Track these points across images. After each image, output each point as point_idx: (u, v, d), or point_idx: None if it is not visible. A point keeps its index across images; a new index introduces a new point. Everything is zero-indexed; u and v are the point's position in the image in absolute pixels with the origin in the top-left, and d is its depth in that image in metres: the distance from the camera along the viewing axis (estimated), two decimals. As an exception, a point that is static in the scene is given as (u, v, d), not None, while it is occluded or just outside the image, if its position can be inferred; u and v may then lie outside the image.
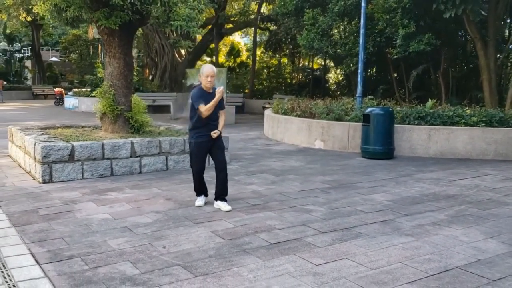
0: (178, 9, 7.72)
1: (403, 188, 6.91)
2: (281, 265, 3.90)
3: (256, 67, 26.63)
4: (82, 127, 9.60)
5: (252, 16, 25.29)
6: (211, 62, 30.35)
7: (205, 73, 5.39)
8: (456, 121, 9.74)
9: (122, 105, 8.34)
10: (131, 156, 7.50)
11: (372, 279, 3.66)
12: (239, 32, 33.16)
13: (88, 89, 23.40)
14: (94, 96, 9.18)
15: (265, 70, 28.13)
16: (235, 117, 17.47)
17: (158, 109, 21.03)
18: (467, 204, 5.98)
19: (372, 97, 12.21)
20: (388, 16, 12.45)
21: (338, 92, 22.26)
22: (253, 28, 25.46)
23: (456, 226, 5.08)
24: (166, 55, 24.85)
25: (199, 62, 30.18)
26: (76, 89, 26.61)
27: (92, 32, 34.90)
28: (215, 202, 5.59)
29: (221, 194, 5.60)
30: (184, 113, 18.43)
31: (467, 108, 10.42)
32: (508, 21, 14.50)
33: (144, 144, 7.61)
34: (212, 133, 5.43)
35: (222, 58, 32.38)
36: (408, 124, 10.03)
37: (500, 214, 5.55)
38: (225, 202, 5.56)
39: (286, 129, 11.96)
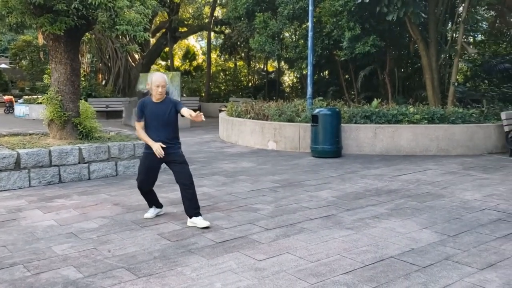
0: (124, 14, 7.71)
1: (348, 184, 7.18)
2: (224, 263, 4.02)
3: (212, 71, 26.69)
4: (30, 134, 9.40)
5: (206, 20, 25.34)
6: (167, 66, 30.20)
7: (155, 82, 4.85)
8: (400, 119, 10.17)
9: (69, 111, 8.24)
10: (79, 163, 7.43)
11: (311, 271, 3.83)
12: (194, 35, 33.12)
13: (40, 96, 22.75)
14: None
15: (221, 74, 28.23)
16: (190, 120, 17.44)
17: (111, 115, 20.75)
18: (406, 198, 6.29)
19: (322, 98, 12.54)
20: (334, 19, 12.84)
21: (294, 94, 22.64)
22: (208, 32, 25.50)
23: (395, 218, 5.35)
24: (119, 60, 24.51)
25: (154, 66, 29.92)
26: (26, 97, 25.82)
27: (42, 37, 33.91)
28: (189, 219, 5.02)
29: (193, 208, 5.01)
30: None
31: (410, 106, 10.89)
32: (450, 24, 15.17)
33: (92, 150, 7.55)
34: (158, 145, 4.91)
35: (177, 62, 32.22)
36: (355, 123, 10.38)
37: (436, 206, 5.88)
38: (200, 218, 4.99)
39: (240, 131, 12.11)
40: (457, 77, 19.47)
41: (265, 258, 4.13)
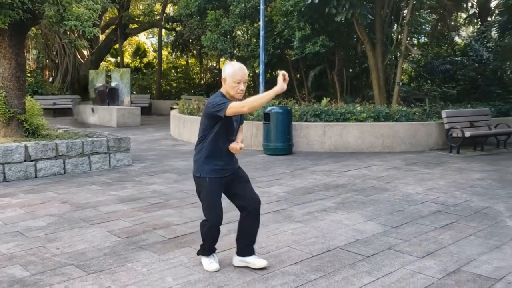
0: (72, 9, 7.54)
1: (298, 180, 7.36)
2: (175, 258, 4.06)
3: (163, 68, 26.37)
4: (-29, 132, 8.99)
5: (157, 17, 25.01)
6: (116, 63, 29.55)
7: (236, 76, 3.53)
8: (348, 117, 10.50)
9: (14, 107, 7.96)
10: (25, 160, 7.20)
11: (261, 263, 3.94)
12: (145, 32, 32.58)
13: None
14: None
15: (172, 71, 27.94)
16: (141, 118, 17.24)
17: (59, 112, 20.12)
18: (353, 192, 6.54)
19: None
20: (285, 19, 13.06)
21: (247, 93, 22.77)
22: (159, 29, 25.19)
23: (341, 211, 5.56)
24: (68, 56, 23.74)
25: (103, 63, 29.22)
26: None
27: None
28: (238, 257, 3.84)
29: (248, 245, 3.83)
30: (90, 119, 17.83)
31: (358, 105, 11.27)
32: (396, 26, 15.76)
33: (39, 147, 7.35)
34: (233, 145, 3.69)
35: (127, 59, 31.59)
36: (306, 121, 10.62)
37: (380, 199, 6.15)
38: (255, 256, 3.84)
39: (192, 129, 12.09)
40: (402, 77, 20.30)
41: (216, 252, 4.19)
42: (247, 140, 10.83)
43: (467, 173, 7.95)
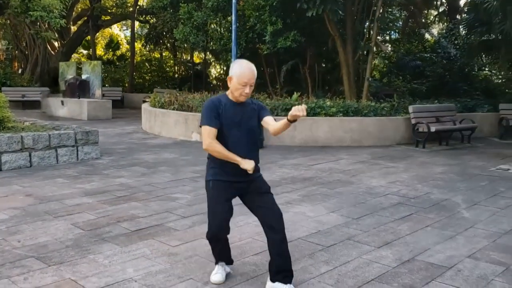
0: (38, -1, 7.44)
1: (266, 173, 7.42)
2: (138, 250, 4.09)
3: (136, 61, 26.08)
4: None
5: (131, 9, 24.68)
6: (89, 55, 29.06)
7: (243, 77, 3.17)
8: (318, 112, 10.64)
9: (-22, 99, 7.81)
10: (-11, 154, 7.08)
11: (222, 254, 4.01)
12: (119, 24, 32.14)
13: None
14: None
15: (146, 64, 27.67)
16: (113, 111, 17.06)
17: (28, 105, 19.73)
18: (318, 185, 6.67)
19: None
20: (257, 13, 13.10)
21: (221, 86, 22.74)
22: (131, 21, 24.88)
23: (306, 204, 5.68)
24: (38, 48, 23.24)
25: (75, 55, 28.71)
26: None
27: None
28: (271, 284, 3.30)
29: (280, 270, 3.29)
30: (59, 111, 17.54)
31: (328, 100, 11.42)
32: (367, 22, 15.99)
33: (4, 140, 7.22)
34: (245, 165, 3.25)
35: (100, 51, 31.11)
36: (277, 115, 10.70)
37: (344, 192, 6.29)
38: (290, 286, 3.27)
39: (163, 122, 12.05)
40: (374, 73, 20.63)
41: (179, 244, 4.25)
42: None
43: (430, 167, 8.18)
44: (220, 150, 3.22)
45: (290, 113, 3.03)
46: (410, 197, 6.04)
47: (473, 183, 6.91)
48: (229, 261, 3.61)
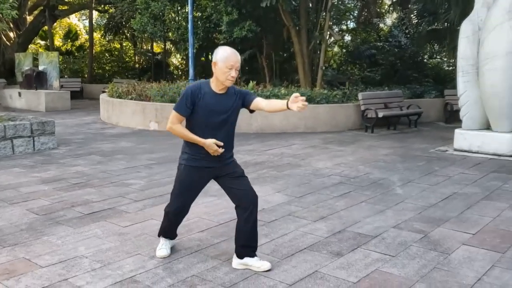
0: (-12, -10, 7.44)
1: (220, 159, 7.76)
2: (90, 231, 4.35)
3: (96, 51, 25.77)
4: None
5: (88, -2, 24.30)
6: (46, 46, 28.44)
7: (228, 60, 3.26)
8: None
9: None
10: None
11: (170, 232, 4.31)
12: (77, 14, 31.53)
13: None
14: None
15: (106, 54, 27.35)
16: (72, 102, 16.96)
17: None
18: (269, 168, 7.04)
19: (204, 80, 12.99)
20: (213, 3, 13.31)
21: (183, 76, 22.81)
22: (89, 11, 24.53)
23: (255, 185, 5.86)
24: (-9, 38, 22.65)
25: (32, 46, 28.07)
26: None
27: None
28: (238, 260, 3.57)
29: (248, 245, 3.57)
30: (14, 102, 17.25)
31: (282, 88, 11.80)
32: (324, 13, 16.42)
33: (-44, 132, 7.25)
34: (208, 146, 3.36)
35: (58, 42, 30.50)
36: (233, 103, 11.00)
37: (292, 174, 6.69)
38: (257, 258, 3.57)
39: (121, 112, 12.15)
40: (332, 61, 21.18)
41: (129, 224, 4.53)
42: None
43: (376, 149, 8.69)
44: (181, 132, 3.39)
45: (292, 106, 3.19)
46: (351, 177, 6.50)
47: (411, 163, 7.44)
48: (173, 237, 3.91)
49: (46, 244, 3.99)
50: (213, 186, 5.92)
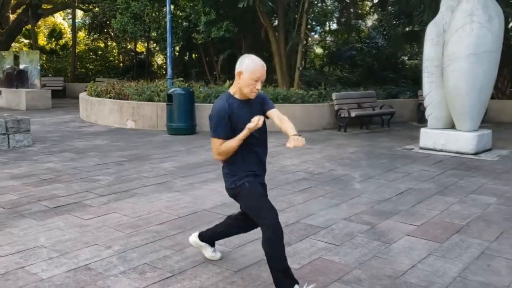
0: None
1: (192, 157, 7.96)
2: (53, 223, 4.51)
3: (80, 50, 25.78)
4: None
5: (72, -3, 24.30)
6: (30, 44, 28.35)
7: (254, 71, 3.04)
8: (248, 99, 11.18)
9: None
10: None
11: (130, 224, 4.50)
12: (62, 13, 31.46)
13: None
14: None
15: (90, 53, 27.36)
16: (54, 101, 17.03)
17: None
18: (237, 166, 7.24)
19: (182, 79, 13.18)
20: (191, 4, 13.48)
21: (159, 74, 22.97)
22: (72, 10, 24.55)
23: (220, 182, 6.16)
24: (-27, 36, 22.57)
25: (15, 44, 27.96)
26: None
27: None
28: (198, 239, 3.78)
29: (217, 238, 3.80)
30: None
31: (258, 87, 11.99)
32: (304, 14, 16.67)
33: None
34: (254, 124, 3.02)
35: (43, 40, 30.42)
36: (209, 102, 11.20)
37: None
38: (213, 249, 3.79)
39: (99, 110, 12.28)
40: (315, 62, 21.48)
41: (91, 217, 4.70)
42: (153, 121, 11.25)
43: (344, 148, 8.94)
44: (227, 147, 3.12)
45: (290, 144, 2.92)
46: (315, 173, 6.73)
47: (375, 161, 7.70)
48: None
49: (7, 236, 4.15)
50: (179, 182, 6.16)
